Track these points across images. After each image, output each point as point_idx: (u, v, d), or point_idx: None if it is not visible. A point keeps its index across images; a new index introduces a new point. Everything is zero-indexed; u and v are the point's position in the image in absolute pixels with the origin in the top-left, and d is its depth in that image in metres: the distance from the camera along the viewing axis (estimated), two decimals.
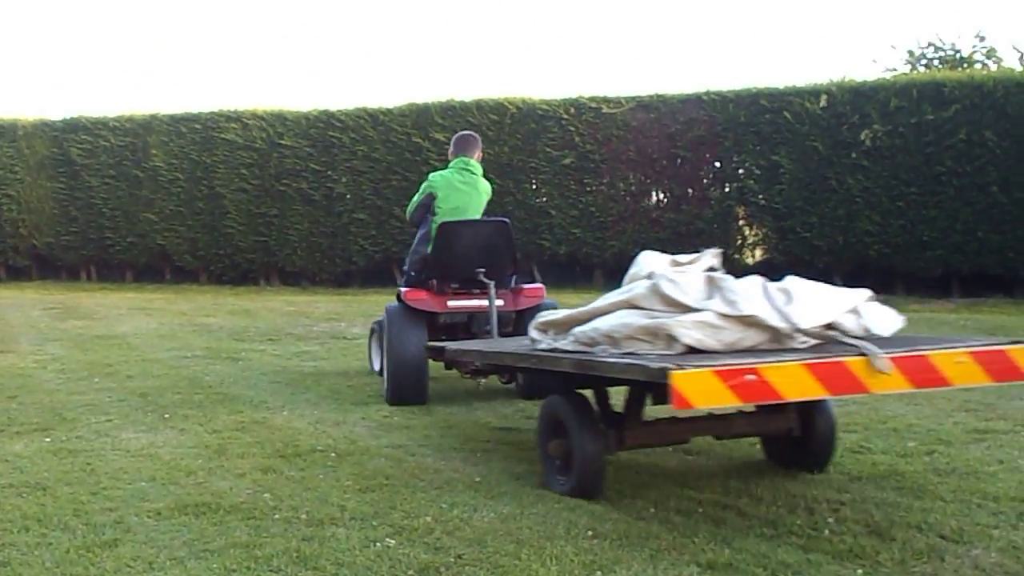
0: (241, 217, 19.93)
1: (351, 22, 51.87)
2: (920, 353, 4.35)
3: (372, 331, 9.09)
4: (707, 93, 17.45)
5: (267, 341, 11.69)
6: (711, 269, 5.03)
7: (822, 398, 4.91)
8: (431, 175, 8.23)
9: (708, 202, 17.65)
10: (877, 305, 4.90)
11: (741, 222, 17.76)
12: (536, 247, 18.01)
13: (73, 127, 20.86)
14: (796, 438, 5.38)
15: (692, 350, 4.44)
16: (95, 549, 4.27)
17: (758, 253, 17.84)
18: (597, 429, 5.04)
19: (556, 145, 18.20)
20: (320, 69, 47.76)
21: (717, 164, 17.79)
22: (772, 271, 16.67)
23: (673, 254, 5.39)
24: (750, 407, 5.08)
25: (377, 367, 8.71)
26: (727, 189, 17.80)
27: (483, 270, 7.76)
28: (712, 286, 4.72)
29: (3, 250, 21.44)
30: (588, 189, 18.28)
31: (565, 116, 18.16)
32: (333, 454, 5.98)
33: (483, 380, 7.79)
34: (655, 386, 4.52)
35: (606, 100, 18.15)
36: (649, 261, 5.28)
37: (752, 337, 4.54)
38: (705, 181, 17.88)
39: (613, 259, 17.54)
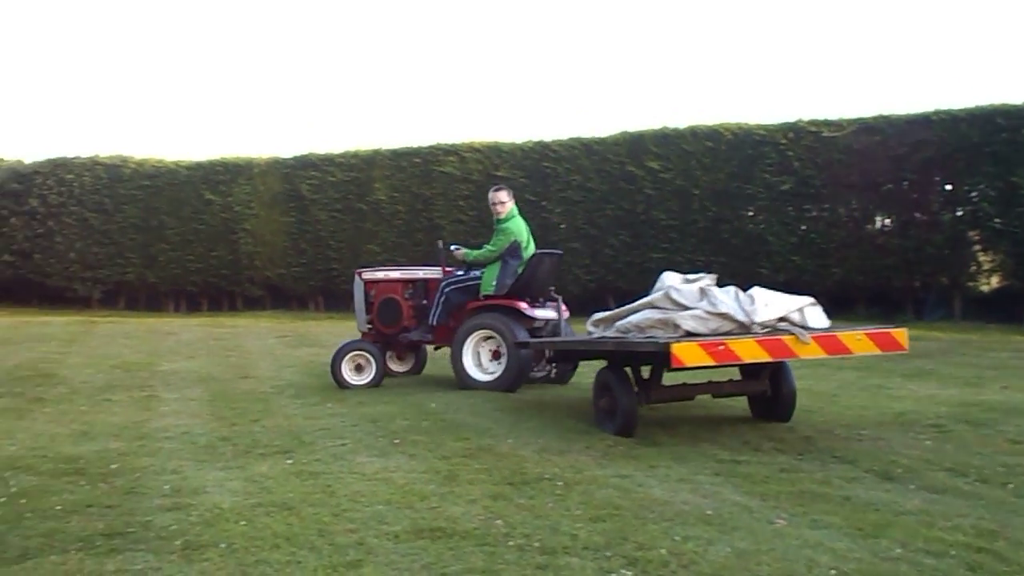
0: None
1: (564, 54, 52.55)
2: (831, 333, 7.10)
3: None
4: (936, 112, 16.72)
5: None
6: (707, 284, 7.52)
7: (767, 361, 7.19)
8: (509, 224, 10.26)
9: (938, 227, 16.81)
10: (816, 309, 7.40)
11: (975, 247, 16.83)
12: (753, 274, 17.63)
13: (303, 164, 21.97)
14: (768, 398, 8.07)
15: (689, 334, 6.97)
16: (340, 569, 4.42)
17: (994, 280, 16.85)
18: (631, 389, 7.65)
19: (774, 171, 17.82)
20: (532, 101, 48.58)
21: (948, 187, 16.95)
22: (1011, 300, 15.96)
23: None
24: (735, 376, 8.31)
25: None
26: (959, 213, 16.93)
27: (553, 289, 10.60)
28: (702, 293, 7.34)
29: (239, 281, 22.74)
30: (808, 215, 17.81)
31: (783, 141, 17.76)
32: (560, 482, 6.00)
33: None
34: (665, 355, 6.69)
35: (827, 123, 17.65)
36: (668, 276, 7.89)
37: (727, 326, 7.09)
38: (935, 205, 17.06)
39: (836, 287, 16.98)
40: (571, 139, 19.68)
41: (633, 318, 7.51)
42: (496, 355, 10.22)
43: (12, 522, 5.33)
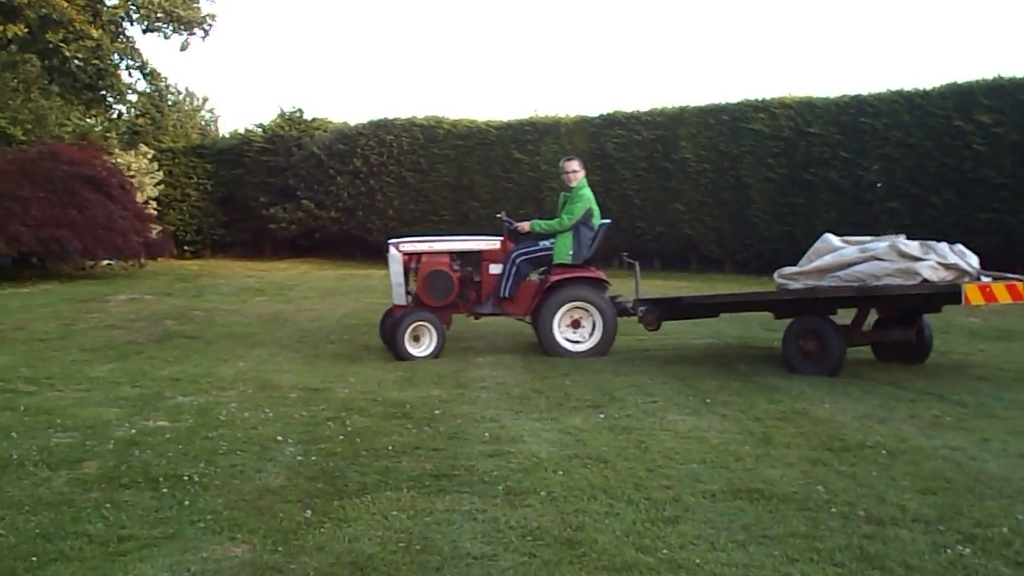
0: (766, 207, 19.90)
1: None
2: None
3: None
4: None
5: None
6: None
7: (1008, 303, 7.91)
8: (585, 191, 10.18)
9: None
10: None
11: None
12: None
13: (609, 122, 22.08)
14: (911, 344, 8.99)
15: (925, 281, 7.88)
16: (658, 524, 4.43)
17: None
18: (842, 332, 8.49)
19: None
20: (846, 52, 46.33)
21: None
22: None
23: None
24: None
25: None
26: None
27: (626, 253, 11.35)
28: (925, 247, 8.18)
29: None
30: None
31: None
32: (884, 451, 5.72)
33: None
34: (956, 296, 7.83)
35: None
36: (831, 238, 8.88)
37: (952, 275, 7.98)
38: None
39: None
40: (890, 92, 18.59)
41: (863, 268, 8.25)
42: (576, 324, 9.99)
43: (350, 459, 5.72)
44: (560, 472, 5.32)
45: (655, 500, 4.78)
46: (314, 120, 27.19)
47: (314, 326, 12.35)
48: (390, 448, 5.95)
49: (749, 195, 20.07)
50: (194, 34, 23.29)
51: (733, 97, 20.85)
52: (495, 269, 10.19)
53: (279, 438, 6.23)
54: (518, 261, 10.06)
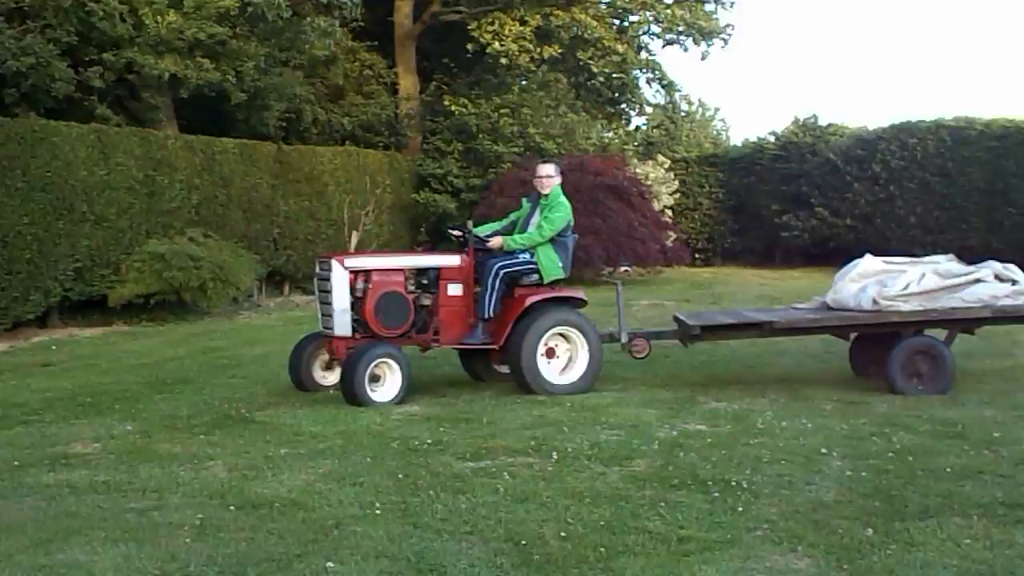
0: None
1: None
2: None
3: None
4: None
5: None
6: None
7: None
8: (564, 199, 8.65)
9: None
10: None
11: None
12: None
13: None
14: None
15: None
16: None
17: None
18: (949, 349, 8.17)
19: None
20: None
21: None
22: None
23: None
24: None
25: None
26: None
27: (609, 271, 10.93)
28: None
29: None
30: None
31: None
32: None
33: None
34: None
35: None
36: (873, 259, 8.75)
37: None
38: None
39: None
40: None
41: (982, 290, 8.16)
42: (551, 353, 8.40)
43: (905, 478, 5.38)
44: None
45: None
46: (829, 126, 26.49)
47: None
48: (948, 470, 5.52)
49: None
50: (712, 44, 23.70)
51: None
52: (455, 290, 8.43)
53: (823, 450, 6.03)
54: (502, 273, 8.35)
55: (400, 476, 5.57)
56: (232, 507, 5.04)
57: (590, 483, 5.42)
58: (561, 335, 8.41)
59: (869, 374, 8.73)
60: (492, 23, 21.67)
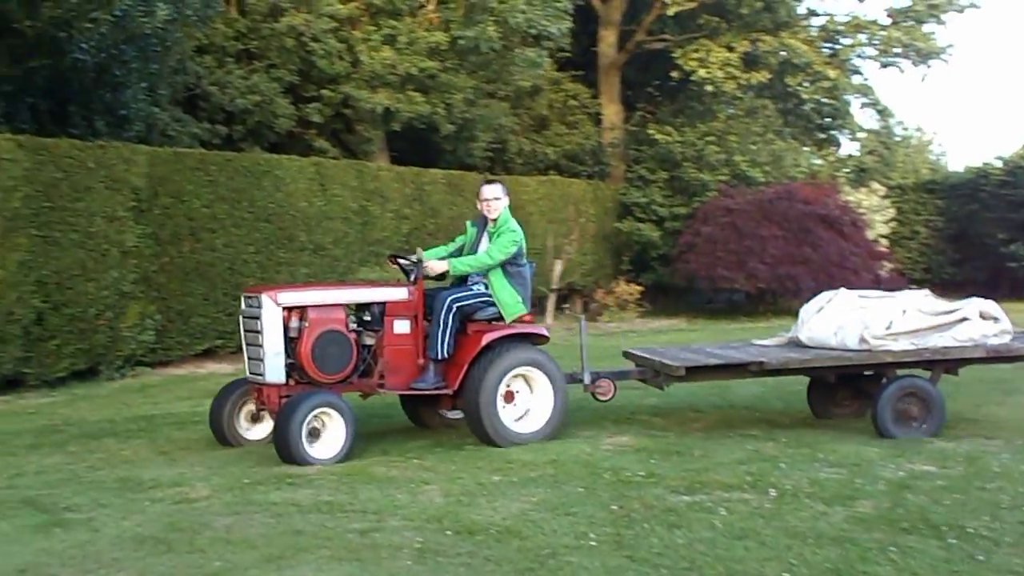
0: None
1: None
2: None
3: None
4: None
5: None
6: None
7: None
8: (513, 223, 7.71)
9: None
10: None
11: None
12: None
13: None
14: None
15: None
16: None
17: None
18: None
19: None
20: None
21: None
22: None
23: None
24: None
25: None
26: None
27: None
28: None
29: None
30: None
31: None
32: None
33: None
34: None
35: None
36: (848, 292, 8.37)
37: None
38: None
39: None
40: None
41: (971, 329, 7.73)
42: (509, 397, 7.45)
43: None
44: None
45: None
46: None
47: None
48: None
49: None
50: (930, 66, 22.67)
51: None
52: (402, 327, 7.41)
53: None
54: (455, 308, 7.39)
55: (613, 507, 5.48)
56: (449, 532, 5.07)
57: (812, 523, 5.18)
58: (522, 376, 7.51)
59: (832, 416, 8.49)
60: (697, 50, 21.42)
